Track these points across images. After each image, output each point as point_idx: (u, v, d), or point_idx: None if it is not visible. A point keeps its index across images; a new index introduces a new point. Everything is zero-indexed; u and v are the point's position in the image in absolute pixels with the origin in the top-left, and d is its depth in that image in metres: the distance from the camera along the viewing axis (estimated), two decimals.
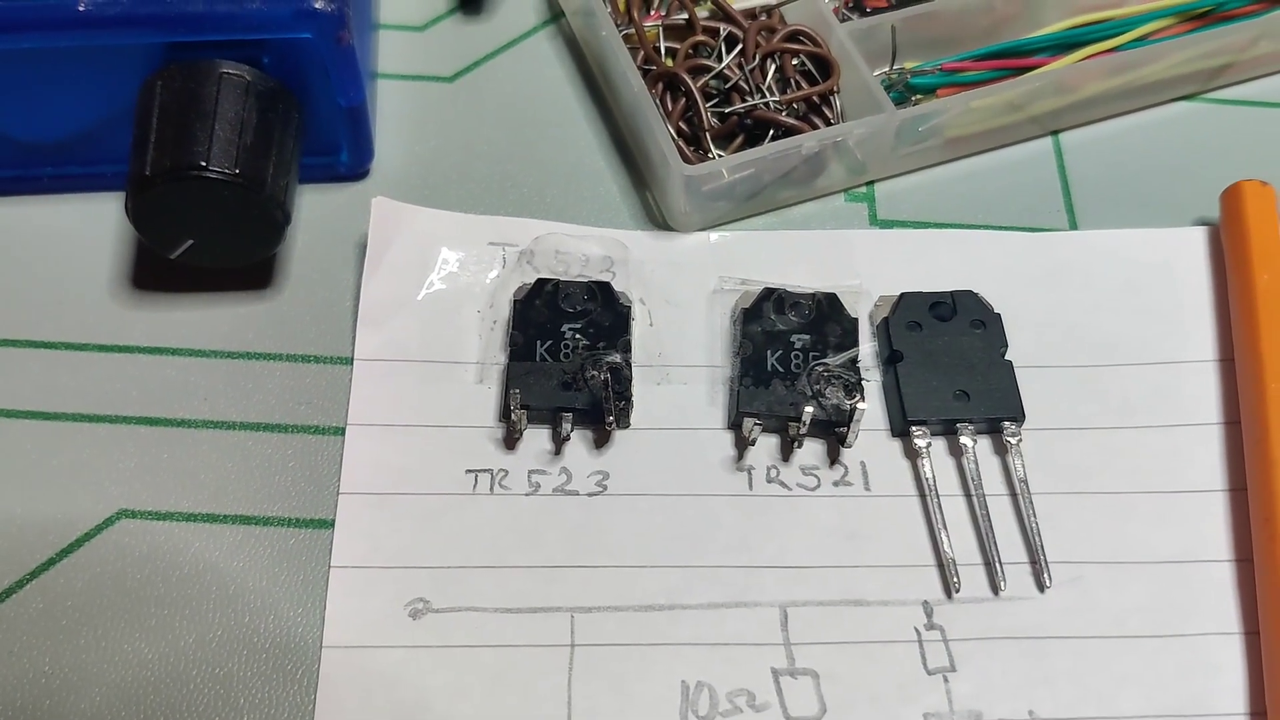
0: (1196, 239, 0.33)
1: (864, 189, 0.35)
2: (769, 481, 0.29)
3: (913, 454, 0.29)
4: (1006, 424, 0.29)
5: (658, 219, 0.34)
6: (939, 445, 0.30)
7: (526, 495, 0.29)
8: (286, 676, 0.26)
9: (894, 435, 0.30)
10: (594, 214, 0.34)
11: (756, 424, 0.29)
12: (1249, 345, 0.30)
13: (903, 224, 0.34)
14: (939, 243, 0.33)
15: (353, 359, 0.30)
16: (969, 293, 0.31)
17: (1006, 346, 0.30)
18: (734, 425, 0.30)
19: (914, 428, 0.29)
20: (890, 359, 0.30)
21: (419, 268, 0.32)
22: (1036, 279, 0.33)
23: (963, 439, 0.29)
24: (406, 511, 0.28)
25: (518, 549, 0.28)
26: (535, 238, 0.32)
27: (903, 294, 0.31)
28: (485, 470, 0.29)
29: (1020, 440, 0.29)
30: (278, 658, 0.27)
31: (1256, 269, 0.31)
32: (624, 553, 0.28)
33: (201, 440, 0.30)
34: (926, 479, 0.29)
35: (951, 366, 0.30)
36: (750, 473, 0.29)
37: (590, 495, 0.29)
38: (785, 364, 0.30)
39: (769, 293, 0.31)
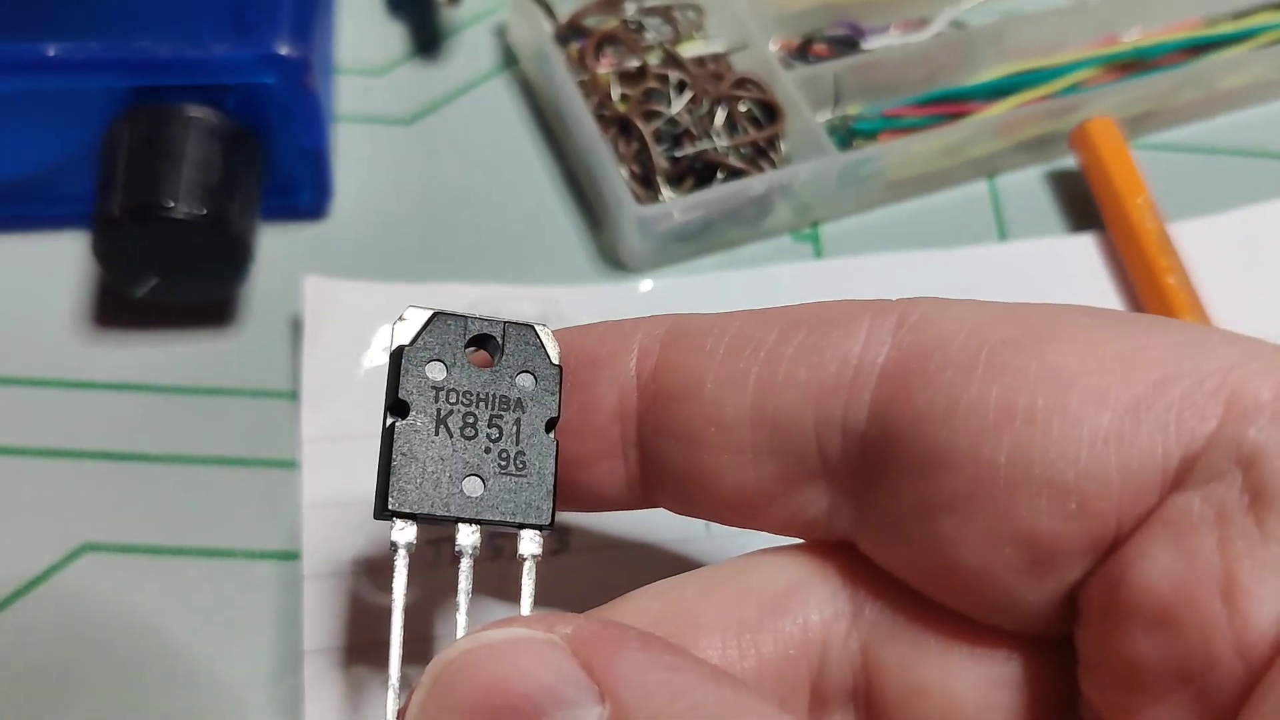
0: (1087, 244, 0.35)
1: (809, 229, 0.36)
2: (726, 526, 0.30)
3: None
4: None
5: (612, 259, 0.35)
6: None
7: (490, 560, 0.29)
8: (252, 706, 0.27)
9: None
10: (549, 254, 0.35)
11: None
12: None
13: None
14: (859, 270, 0.35)
15: (300, 439, 0.30)
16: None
17: None
18: None
19: None
20: None
21: (356, 343, 0.32)
22: (960, 293, 0.34)
23: None
24: (374, 587, 0.28)
25: (491, 614, 0.28)
26: (470, 303, 0.33)
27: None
28: (446, 539, 0.29)
29: None
30: (244, 688, 0.27)
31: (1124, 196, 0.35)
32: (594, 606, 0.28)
33: (164, 474, 0.30)
34: None
35: None
36: None
37: (553, 554, 0.29)
38: None
39: None
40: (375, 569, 0.28)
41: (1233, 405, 0.17)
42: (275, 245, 0.34)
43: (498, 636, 0.17)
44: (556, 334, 0.22)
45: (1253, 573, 0.16)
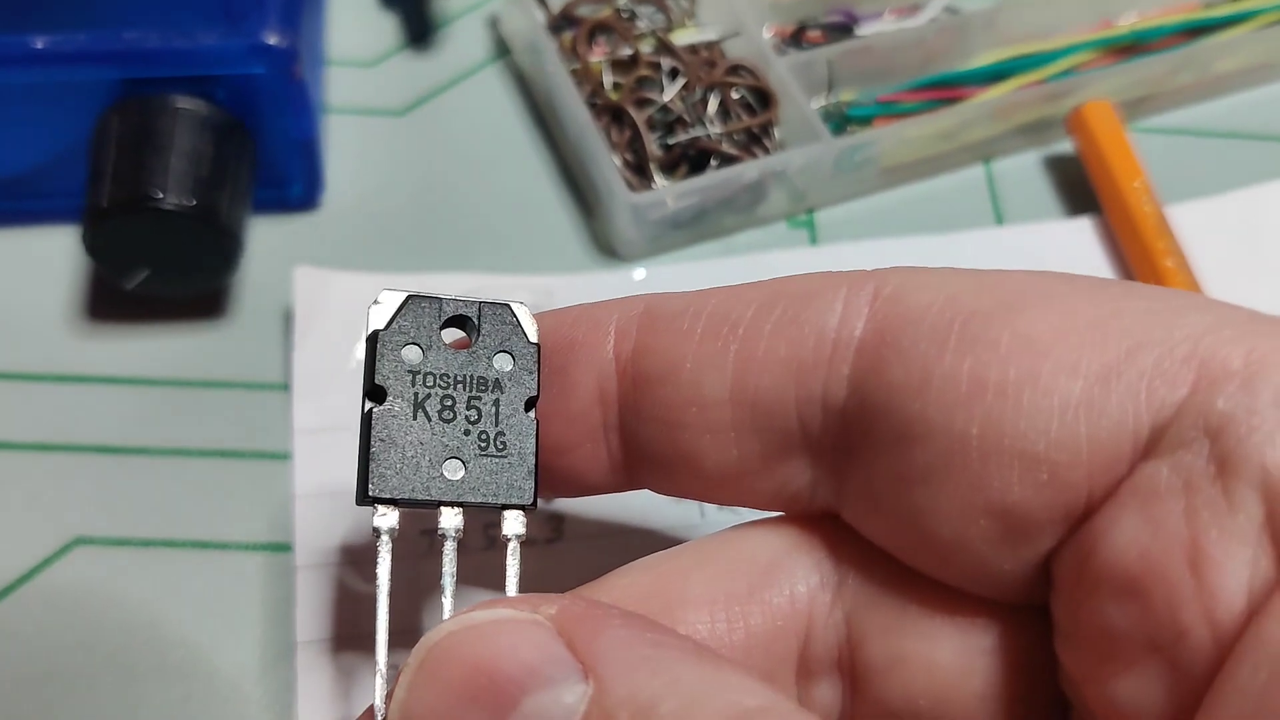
0: (1084, 228, 0.35)
1: (804, 216, 0.36)
2: (720, 510, 0.30)
3: None
4: None
5: (605, 248, 0.35)
6: None
7: (484, 550, 0.29)
8: (245, 698, 0.27)
9: None
10: (543, 244, 0.35)
11: None
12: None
13: None
14: (855, 256, 0.34)
15: (292, 430, 0.30)
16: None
17: None
18: None
19: None
20: None
21: (348, 334, 0.32)
22: None
23: None
24: (366, 578, 0.28)
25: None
26: (462, 293, 0.32)
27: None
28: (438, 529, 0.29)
29: None
30: (237, 680, 0.27)
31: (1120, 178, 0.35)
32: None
33: (156, 467, 0.30)
34: None
35: None
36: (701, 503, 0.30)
37: (548, 542, 0.29)
38: None
39: None
40: (367, 559, 0.28)
41: (1203, 373, 0.16)
42: (267, 237, 0.34)
43: (482, 617, 0.17)
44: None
45: (1219, 543, 0.16)
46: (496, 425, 0.21)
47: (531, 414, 0.21)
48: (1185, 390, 0.17)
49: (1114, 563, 0.17)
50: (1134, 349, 0.17)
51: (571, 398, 0.21)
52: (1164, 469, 0.16)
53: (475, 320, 0.21)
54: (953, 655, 0.19)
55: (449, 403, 0.21)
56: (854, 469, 0.20)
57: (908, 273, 0.20)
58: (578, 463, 0.22)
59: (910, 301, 0.19)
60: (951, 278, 0.19)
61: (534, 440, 0.21)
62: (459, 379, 0.21)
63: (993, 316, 0.18)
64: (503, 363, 0.21)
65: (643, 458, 0.21)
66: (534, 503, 0.21)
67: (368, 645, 0.27)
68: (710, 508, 0.29)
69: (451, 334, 0.22)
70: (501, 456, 0.21)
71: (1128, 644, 0.16)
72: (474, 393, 0.21)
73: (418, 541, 0.28)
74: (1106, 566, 0.17)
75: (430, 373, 0.21)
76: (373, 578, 0.26)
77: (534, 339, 0.22)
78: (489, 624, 0.17)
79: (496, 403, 0.21)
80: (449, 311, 0.21)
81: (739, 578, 0.20)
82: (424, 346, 0.21)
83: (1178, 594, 0.16)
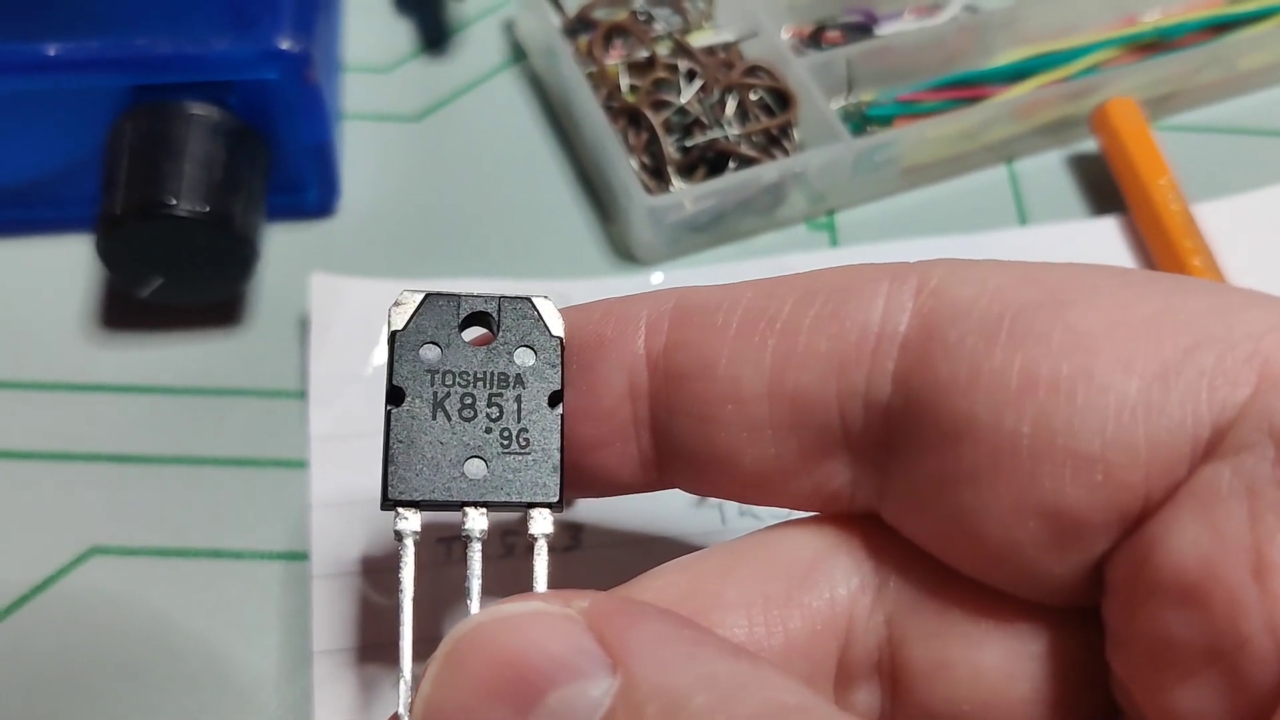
0: (1110, 227, 0.35)
1: (824, 218, 0.35)
2: (741, 515, 0.29)
3: None
4: None
5: (623, 251, 0.34)
6: None
7: (501, 558, 0.28)
8: (261, 708, 0.26)
9: None
10: (559, 248, 0.34)
11: None
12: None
13: None
14: (877, 258, 0.34)
15: (309, 437, 0.30)
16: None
17: None
18: None
19: None
20: None
21: (364, 340, 0.31)
22: None
23: None
24: (384, 587, 0.28)
25: None
26: None
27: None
28: (456, 538, 0.28)
29: None
30: (253, 690, 0.27)
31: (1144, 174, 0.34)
32: None
33: (171, 476, 0.30)
34: None
35: None
36: (722, 508, 0.29)
37: (565, 550, 0.28)
38: None
39: None
40: (385, 568, 0.28)
41: (1266, 373, 0.16)
42: (283, 244, 0.34)
43: (513, 610, 0.17)
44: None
45: None
46: (519, 422, 0.20)
47: (556, 409, 0.21)
48: (1248, 391, 0.16)
49: (1172, 568, 0.16)
50: (1192, 347, 0.16)
51: (601, 394, 0.21)
52: (1226, 472, 0.16)
53: (495, 316, 0.21)
54: (998, 660, 0.19)
55: (469, 401, 0.20)
56: (896, 468, 0.19)
57: (951, 265, 0.19)
58: (608, 461, 0.21)
59: (956, 295, 0.18)
60: (997, 270, 0.18)
61: (558, 436, 0.20)
62: (479, 376, 0.20)
63: (1043, 311, 0.17)
64: (524, 358, 0.21)
65: (675, 456, 0.21)
66: (559, 500, 0.20)
67: (385, 655, 0.27)
68: (731, 513, 0.29)
69: (474, 333, 0.21)
70: (524, 454, 0.20)
71: (1186, 653, 0.16)
72: (494, 389, 0.20)
73: (435, 550, 0.28)
74: (1164, 572, 0.16)
75: (449, 371, 0.20)
76: (391, 586, 0.25)
77: (556, 333, 0.21)
78: (519, 616, 0.17)
79: (518, 399, 0.20)
80: (468, 308, 0.21)
81: (777, 580, 0.20)
82: (442, 345, 0.20)
83: (1239, 601, 0.15)
